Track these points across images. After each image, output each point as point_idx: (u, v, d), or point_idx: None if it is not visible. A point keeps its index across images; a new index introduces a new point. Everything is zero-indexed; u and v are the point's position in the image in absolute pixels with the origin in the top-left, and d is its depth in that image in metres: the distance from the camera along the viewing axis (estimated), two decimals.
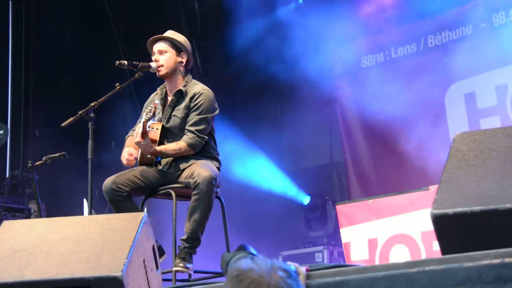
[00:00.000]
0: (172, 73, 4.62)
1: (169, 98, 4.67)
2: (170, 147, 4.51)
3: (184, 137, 4.52)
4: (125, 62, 4.54)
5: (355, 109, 7.45)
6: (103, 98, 4.50)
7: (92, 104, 4.41)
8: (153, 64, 4.60)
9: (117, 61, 4.53)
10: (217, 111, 4.65)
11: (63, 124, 4.35)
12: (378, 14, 7.21)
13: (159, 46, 4.62)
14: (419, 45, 7.09)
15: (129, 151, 4.57)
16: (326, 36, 7.48)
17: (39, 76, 8.21)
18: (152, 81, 4.89)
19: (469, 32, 6.67)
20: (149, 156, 4.50)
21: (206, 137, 4.57)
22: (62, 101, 7.71)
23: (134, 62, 4.56)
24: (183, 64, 4.67)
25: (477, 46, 6.44)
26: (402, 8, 7.09)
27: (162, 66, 4.59)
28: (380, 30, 7.26)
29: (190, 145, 4.50)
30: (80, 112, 4.37)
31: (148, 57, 4.74)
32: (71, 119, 4.37)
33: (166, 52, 4.61)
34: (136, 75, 4.58)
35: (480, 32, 6.55)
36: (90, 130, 4.40)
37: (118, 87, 4.52)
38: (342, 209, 5.73)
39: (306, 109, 7.48)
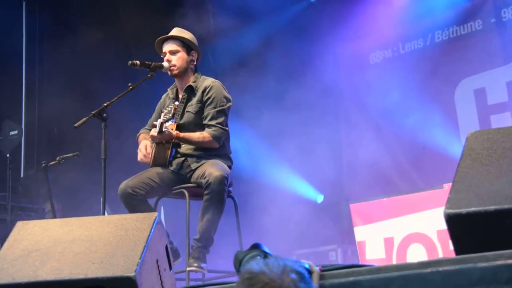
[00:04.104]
0: (184, 72, 4.65)
1: (180, 96, 4.69)
2: (194, 135, 4.51)
3: (207, 129, 4.52)
4: (138, 62, 4.55)
5: (364, 106, 7.43)
6: (116, 98, 4.51)
7: (105, 104, 4.42)
8: (165, 64, 4.62)
9: (130, 61, 4.54)
10: (231, 102, 4.65)
11: (76, 125, 4.36)
12: (386, 10, 7.18)
13: (169, 46, 4.63)
14: (426, 40, 7.06)
15: (146, 144, 4.57)
16: (335, 33, 7.46)
17: (53, 76, 8.25)
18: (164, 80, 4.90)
19: (478, 27, 6.62)
20: (173, 140, 4.47)
21: (227, 128, 4.58)
22: (76, 100, 7.73)
23: (147, 62, 4.57)
24: (194, 62, 4.69)
25: (487, 42, 6.40)
26: (410, 2, 7.07)
27: (174, 66, 4.61)
28: (388, 26, 7.24)
29: (214, 137, 4.50)
30: (93, 112, 4.39)
31: (158, 56, 4.75)
32: (84, 119, 4.38)
33: (177, 52, 4.62)
34: (149, 75, 4.59)
35: (490, 27, 6.50)
36: (103, 130, 4.41)
37: (130, 87, 4.53)
38: (356, 207, 5.71)
39: (317, 107, 7.47)
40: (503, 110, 6.43)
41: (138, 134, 4.82)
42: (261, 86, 7.37)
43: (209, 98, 4.56)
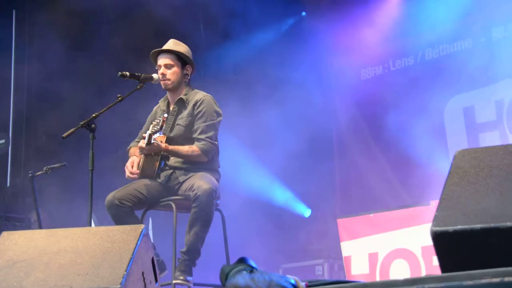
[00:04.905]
0: (178, 85, 4.65)
1: (171, 108, 4.69)
2: (183, 148, 4.51)
3: (196, 143, 4.53)
4: (127, 73, 4.55)
5: (354, 121, 7.46)
6: (105, 109, 4.50)
7: (94, 115, 4.41)
8: (155, 76, 4.63)
9: (120, 72, 4.55)
10: (222, 117, 4.66)
11: (64, 135, 4.35)
12: (377, 27, 7.22)
13: (164, 60, 4.63)
14: (416, 58, 7.11)
15: (132, 161, 4.57)
16: (326, 48, 7.50)
17: (42, 84, 8.21)
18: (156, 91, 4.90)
19: (468, 45, 6.67)
20: (162, 153, 4.48)
21: (217, 142, 4.58)
22: (65, 110, 7.70)
23: (136, 74, 4.57)
24: (188, 76, 4.70)
25: (477, 60, 6.44)
26: (401, 20, 7.12)
27: (169, 80, 4.62)
28: (379, 42, 7.28)
29: (203, 151, 4.50)
30: (81, 122, 4.38)
31: (149, 68, 4.75)
32: (72, 130, 4.36)
33: (172, 66, 4.62)
34: (138, 86, 4.59)
35: (480, 45, 6.55)
36: (91, 141, 4.40)
37: (119, 98, 4.53)
38: (343, 223, 5.72)
39: (307, 121, 7.49)
40: (491, 128, 6.46)
41: (129, 147, 4.81)
42: (252, 100, 7.39)
43: (199, 111, 4.57)
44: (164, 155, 4.55)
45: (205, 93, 4.67)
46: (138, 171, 4.53)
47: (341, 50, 7.50)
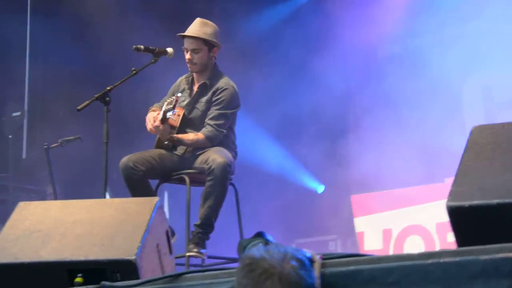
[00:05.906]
0: (204, 68, 4.65)
1: (195, 88, 4.69)
2: (188, 136, 4.55)
3: (203, 129, 4.56)
4: (142, 46, 4.55)
5: (369, 99, 7.42)
6: (119, 82, 4.50)
7: (108, 88, 4.41)
8: (169, 50, 4.62)
9: (134, 46, 4.54)
10: (239, 108, 4.66)
11: (79, 107, 4.36)
12: (394, 4, 7.15)
13: (191, 45, 4.60)
14: (435, 36, 7.04)
15: (153, 115, 4.55)
16: (343, 25, 7.44)
17: (58, 57, 8.22)
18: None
19: (487, 24, 6.59)
20: (166, 142, 4.53)
21: (225, 131, 4.59)
22: (80, 83, 7.71)
23: (151, 47, 4.56)
24: (215, 58, 4.68)
25: (496, 39, 6.38)
26: None
27: (195, 64, 4.62)
28: (397, 20, 7.21)
29: (207, 138, 4.53)
30: (95, 95, 4.38)
31: (166, 42, 4.73)
32: (86, 102, 4.37)
33: (199, 50, 4.60)
34: (152, 60, 4.58)
35: (499, 24, 6.47)
36: (105, 114, 4.40)
37: (134, 71, 4.52)
38: (357, 199, 5.73)
39: (322, 98, 7.46)
40: (510, 107, 6.42)
41: (150, 107, 4.79)
42: (268, 76, 7.37)
43: (218, 98, 4.59)
44: (181, 129, 4.57)
45: (228, 81, 4.65)
46: (155, 126, 4.49)
47: (358, 29, 7.43)
